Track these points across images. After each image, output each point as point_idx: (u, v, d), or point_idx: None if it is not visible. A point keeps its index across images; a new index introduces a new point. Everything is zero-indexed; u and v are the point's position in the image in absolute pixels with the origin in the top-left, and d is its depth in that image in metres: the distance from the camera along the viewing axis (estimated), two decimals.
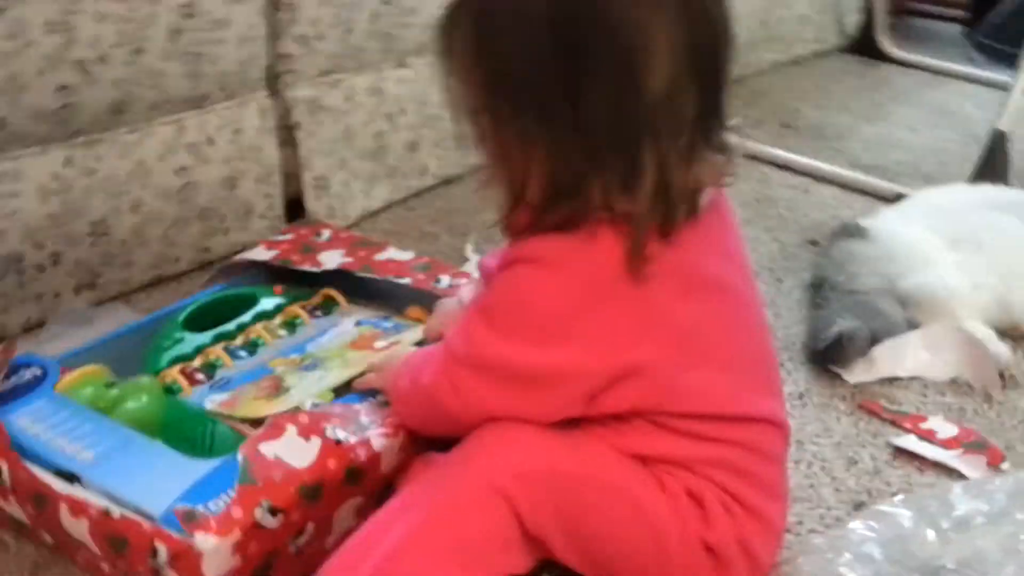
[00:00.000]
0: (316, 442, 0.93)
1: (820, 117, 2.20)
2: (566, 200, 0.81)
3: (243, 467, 0.88)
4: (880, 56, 2.58)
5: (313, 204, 1.53)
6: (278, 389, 1.07)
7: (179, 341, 1.14)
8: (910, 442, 1.16)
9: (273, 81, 1.46)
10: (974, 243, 1.42)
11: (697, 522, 0.86)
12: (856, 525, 0.98)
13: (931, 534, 0.96)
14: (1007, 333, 1.35)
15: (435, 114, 1.66)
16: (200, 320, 1.18)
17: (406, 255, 1.26)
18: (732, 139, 0.85)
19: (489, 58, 0.82)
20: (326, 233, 1.30)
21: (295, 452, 0.92)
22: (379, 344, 1.12)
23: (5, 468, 0.92)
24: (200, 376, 1.10)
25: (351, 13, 1.48)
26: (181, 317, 1.17)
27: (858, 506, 1.06)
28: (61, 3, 1.18)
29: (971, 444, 1.16)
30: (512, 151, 0.83)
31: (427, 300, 1.17)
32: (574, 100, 0.79)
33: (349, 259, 1.23)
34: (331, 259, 1.23)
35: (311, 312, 1.21)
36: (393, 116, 1.61)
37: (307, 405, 1.00)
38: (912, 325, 1.35)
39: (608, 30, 0.78)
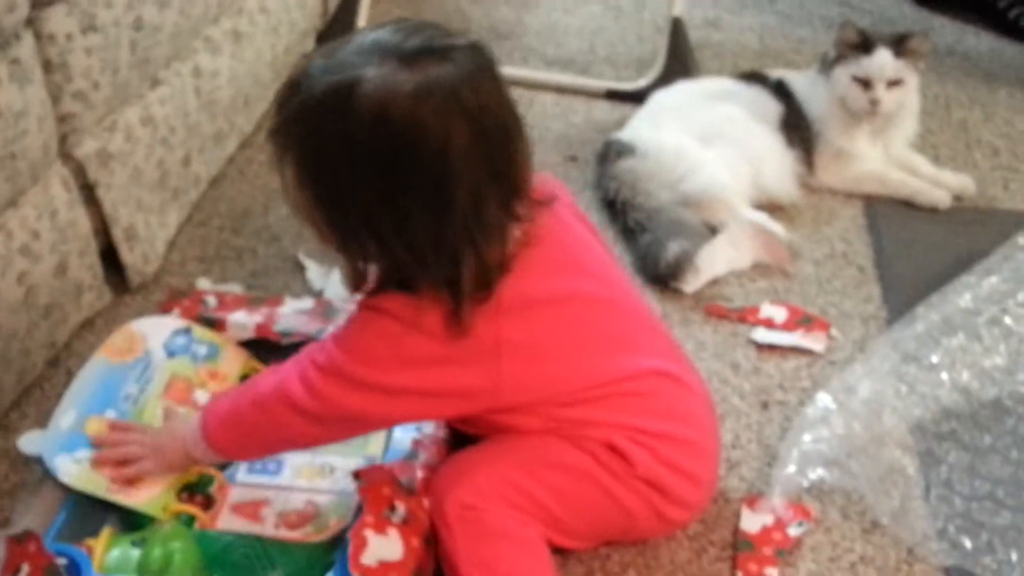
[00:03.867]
0: (394, 533, 1.00)
1: (484, 15, 2.33)
2: (400, 286, 0.96)
3: None
4: None
5: (128, 257, 1.45)
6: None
7: None
8: (765, 335, 1.42)
9: (61, 146, 1.35)
10: (719, 136, 1.68)
11: (621, 464, 1.02)
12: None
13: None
14: (765, 207, 1.64)
15: (195, 121, 1.61)
16: None
17: (305, 304, 1.28)
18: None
19: (318, 178, 0.93)
20: (211, 300, 1.28)
21: (387, 549, 0.99)
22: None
23: None
24: (197, 497, 1.10)
25: (115, 52, 1.38)
26: None
27: (764, 405, 1.32)
28: None
29: (802, 321, 1.45)
30: (349, 248, 0.96)
31: None
32: (397, 215, 0.91)
33: (258, 318, 1.24)
34: (241, 324, 1.24)
35: None
36: (167, 139, 1.54)
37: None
38: (706, 224, 1.59)
39: (418, 162, 0.90)
